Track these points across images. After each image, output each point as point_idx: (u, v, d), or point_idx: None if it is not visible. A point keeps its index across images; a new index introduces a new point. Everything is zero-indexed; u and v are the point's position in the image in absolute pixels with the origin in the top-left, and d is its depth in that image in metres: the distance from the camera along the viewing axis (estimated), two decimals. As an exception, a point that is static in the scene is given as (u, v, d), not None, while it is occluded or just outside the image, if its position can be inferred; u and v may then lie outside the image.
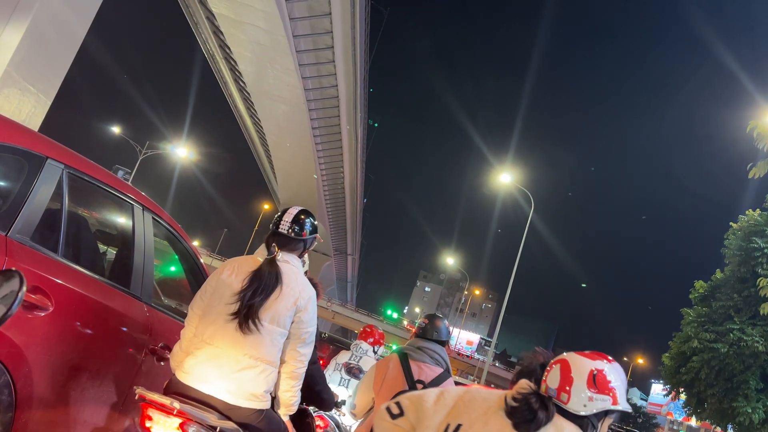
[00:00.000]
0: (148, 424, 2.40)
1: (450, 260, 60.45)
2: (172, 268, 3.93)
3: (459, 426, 1.82)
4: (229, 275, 2.62)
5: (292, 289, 2.59)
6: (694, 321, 16.10)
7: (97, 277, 2.62)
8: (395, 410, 2.01)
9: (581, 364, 1.76)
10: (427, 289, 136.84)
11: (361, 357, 5.50)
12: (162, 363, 2.99)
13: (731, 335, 14.02)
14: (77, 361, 2.41)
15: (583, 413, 1.71)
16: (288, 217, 2.72)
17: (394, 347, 21.56)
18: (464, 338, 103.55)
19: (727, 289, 15.71)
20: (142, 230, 3.03)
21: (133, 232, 2.98)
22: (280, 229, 2.70)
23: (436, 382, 3.21)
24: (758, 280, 7.47)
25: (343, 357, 5.66)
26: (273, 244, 2.70)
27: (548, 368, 1.83)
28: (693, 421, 76.23)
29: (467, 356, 77.89)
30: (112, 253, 3.31)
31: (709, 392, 14.89)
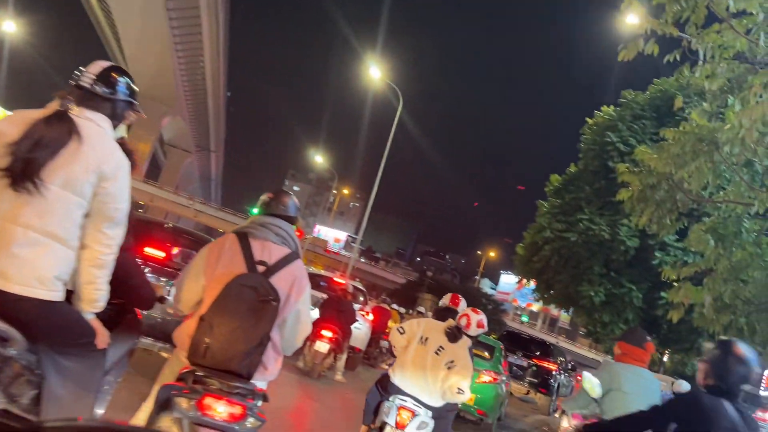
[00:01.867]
0: None
1: (318, 158, 59.43)
2: None
3: (428, 338, 4.28)
4: (7, 125, 2.08)
5: (95, 151, 2.13)
6: (547, 212, 16.89)
7: None
8: (401, 331, 4.44)
9: (475, 317, 4.40)
10: (295, 188, 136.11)
11: None
12: None
13: (581, 225, 14.83)
14: None
15: (474, 335, 4.41)
16: (93, 69, 2.28)
17: None
18: (332, 236, 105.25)
19: (580, 182, 16.52)
20: None
21: None
22: (80, 82, 2.25)
23: (283, 263, 2.67)
24: (617, 165, 7.54)
25: None
26: (68, 97, 2.20)
27: (460, 317, 4.43)
28: (534, 307, 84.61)
29: (334, 253, 79.54)
30: None
31: (557, 278, 15.91)
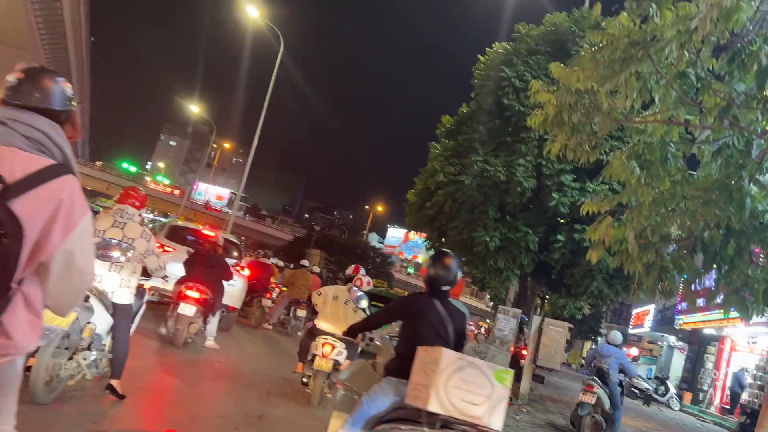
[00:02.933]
0: None
1: (195, 108, 55.56)
2: None
3: (338, 296, 7.22)
4: None
5: None
6: (440, 155, 15.89)
7: None
8: (319, 293, 7.39)
9: (364, 278, 7.49)
10: (172, 143, 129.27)
11: (126, 223, 4.97)
12: None
13: (475, 167, 13.93)
14: None
15: (367, 290, 7.52)
16: None
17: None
18: (214, 193, 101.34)
19: (473, 122, 15.62)
20: None
21: None
22: None
23: (36, 180, 1.73)
24: (531, 83, 6.50)
25: (105, 223, 4.89)
26: None
27: (354, 281, 7.43)
28: (420, 259, 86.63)
29: (216, 210, 76.92)
30: None
31: (451, 225, 15.03)
